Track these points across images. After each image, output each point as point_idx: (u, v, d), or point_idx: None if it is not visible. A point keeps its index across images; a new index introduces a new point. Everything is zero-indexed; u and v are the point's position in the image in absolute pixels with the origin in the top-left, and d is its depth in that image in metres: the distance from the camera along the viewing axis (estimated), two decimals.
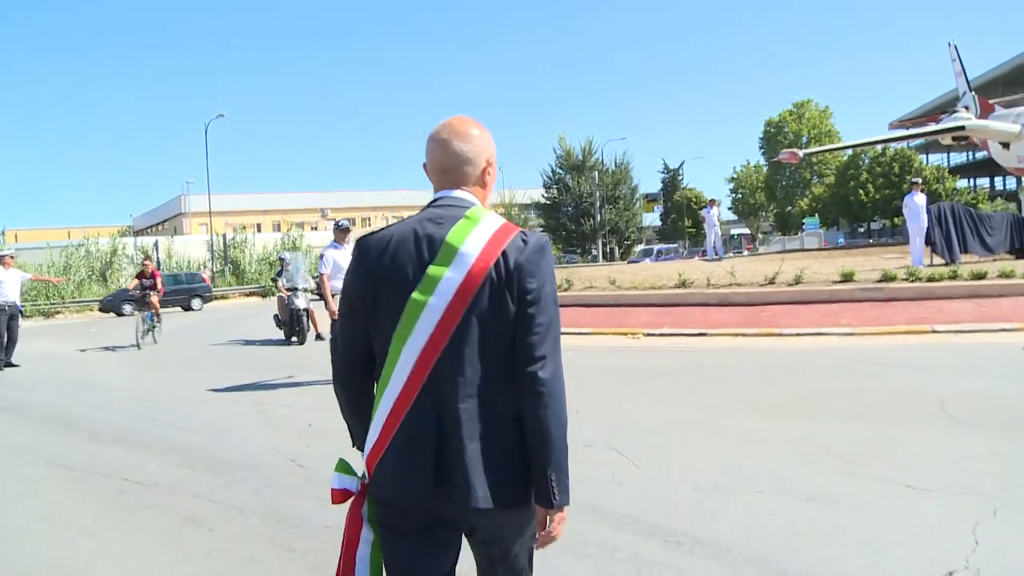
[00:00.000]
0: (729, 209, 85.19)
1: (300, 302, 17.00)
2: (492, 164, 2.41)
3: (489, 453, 2.13)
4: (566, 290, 18.74)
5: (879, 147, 61.26)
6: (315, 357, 13.73)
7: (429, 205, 2.35)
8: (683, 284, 17.15)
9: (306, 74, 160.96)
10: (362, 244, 2.30)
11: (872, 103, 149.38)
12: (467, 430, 2.12)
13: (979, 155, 66.10)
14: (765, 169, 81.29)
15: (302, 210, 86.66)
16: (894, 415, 7.24)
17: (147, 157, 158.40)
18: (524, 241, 2.22)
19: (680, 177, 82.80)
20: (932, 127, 27.63)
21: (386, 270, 2.21)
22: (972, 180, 71.61)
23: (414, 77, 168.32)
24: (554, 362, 2.18)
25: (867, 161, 63.10)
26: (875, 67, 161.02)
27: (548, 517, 2.20)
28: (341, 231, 11.68)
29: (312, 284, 16.91)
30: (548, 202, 65.77)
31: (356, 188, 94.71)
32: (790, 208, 76.46)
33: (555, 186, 65.43)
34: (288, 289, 17.48)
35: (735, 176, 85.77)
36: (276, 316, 18.46)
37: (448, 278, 2.15)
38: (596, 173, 63.86)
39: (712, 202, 27.14)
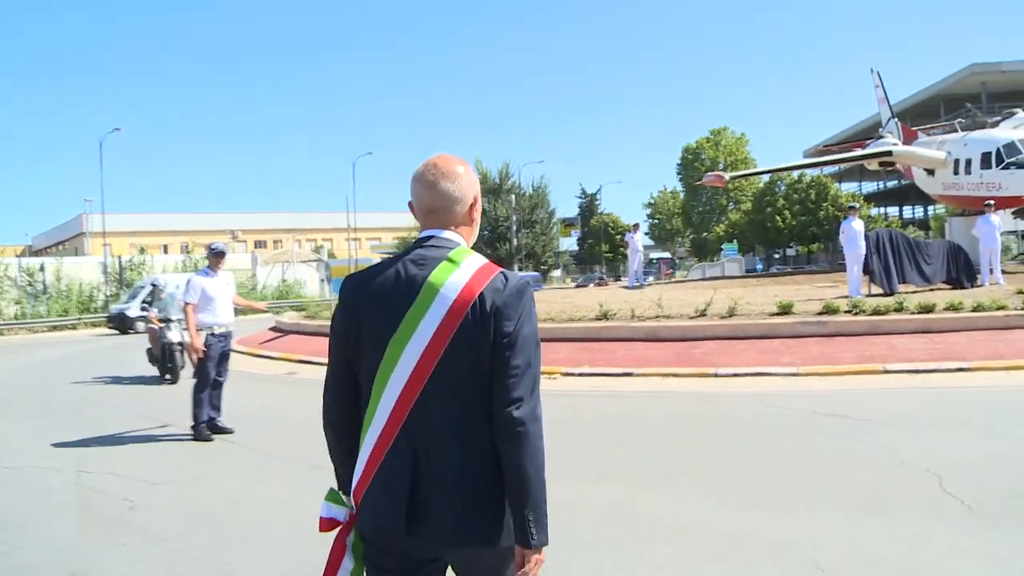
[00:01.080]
0: (646, 234, 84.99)
1: (174, 335, 14.79)
2: (478, 201, 2.43)
3: (464, 492, 2.15)
4: None
5: (795, 175, 61.65)
6: (181, 400, 11.65)
7: (415, 244, 2.37)
8: (605, 316, 15.51)
9: (221, 91, 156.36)
10: (347, 284, 2.36)
11: (785, 132, 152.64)
12: (442, 469, 2.15)
13: (890, 184, 67.31)
14: (682, 195, 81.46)
15: (213, 231, 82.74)
16: (884, 499, 5.66)
17: (51, 174, 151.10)
18: (503, 283, 2.22)
19: (597, 202, 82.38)
20: (859, 152, 26.91)
21: (369, 310, 2.25)
22: (883, 208, 72.61)
23: (327, 99, 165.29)
24: (531, 403, 2.18)
25: (783, 188, 63.17)
26: (788, 96, 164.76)
27: (525, 556, 2.17)
28: (215, 255, 9.64)
29: None
30: None
31: (270, 210, 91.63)
32: (706, 234, 76.32)
33: None
34: (161, 320, 15.30)
35: (652, 201, 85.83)
36: (149, 350, 16.22)
37: (427, 320, 2.18)
38: (513, 197, 63.35)
39: (635, 227, 25.66)
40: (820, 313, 13.89)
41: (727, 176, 25.82)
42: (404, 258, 2.30)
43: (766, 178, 64.58)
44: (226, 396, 9.67)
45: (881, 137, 26.91)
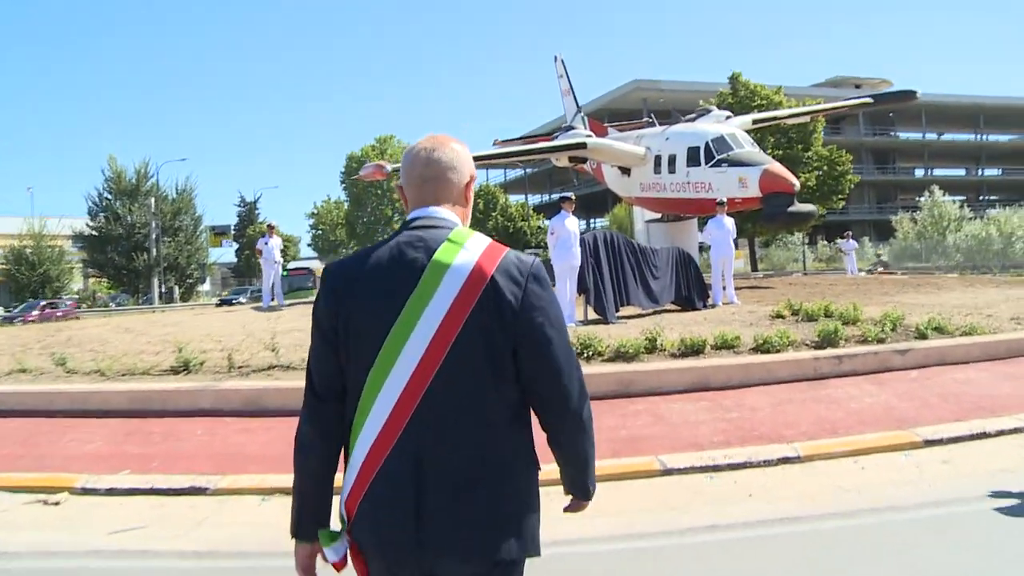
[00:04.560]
0: (309, 246, 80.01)
1: None
2: (474, 181, 2.20)
3: (474, 503, 1.92)
4: None
5: None
6: None
7: (406, 225, 2.10)
8: (186, 366, 9.16)
9: None
10: (332, 271, 2.10)
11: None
12: (450, 479, 1.92)
13: (555, 195, 66.80)
14: (347, 205, 77.42)
15: None
16: None
17: None
18: (517, 267, 1.98)
19: (257, 211, 75.17)
20: (548, 144, 22.69)
21: (361, 300, 1.99)
22: (548, 220, 72.55)
23: None
24: (586, 395, 2.06)
25: None
26: (459, 109, 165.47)
27: (580, 504, 2.21)
28: None
29: None
30: (94, 233, 56.02)
31: None
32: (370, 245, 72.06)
33: (102, 214, 56.21)
34: None
35: (316, 211, 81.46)
36: None
37: (433, 307, 1.93)
38: (152, 200, 56.02)
39: (269, 228, 18.90)
40: None
41: (388, 167, 20.37)
42: (398, 239, 2.06)
43: None
44: None
45: (571, 128, 22.95)
